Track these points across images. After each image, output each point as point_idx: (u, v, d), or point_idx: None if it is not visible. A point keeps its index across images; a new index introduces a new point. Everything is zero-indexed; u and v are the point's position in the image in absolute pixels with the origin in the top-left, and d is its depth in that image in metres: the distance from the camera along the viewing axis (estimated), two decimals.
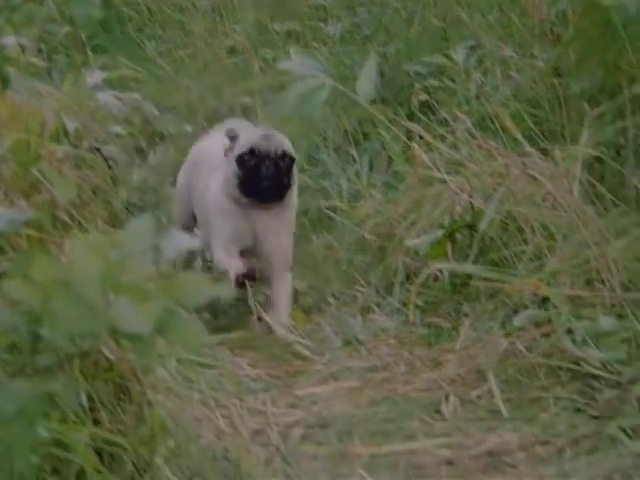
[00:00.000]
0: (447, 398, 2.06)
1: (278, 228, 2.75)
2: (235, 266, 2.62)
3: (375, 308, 2.59)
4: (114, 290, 1.26)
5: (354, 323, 2.53)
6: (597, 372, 2.01)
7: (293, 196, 2.79)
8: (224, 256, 2.67)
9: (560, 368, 2.06)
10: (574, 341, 2.07)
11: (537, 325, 2.16)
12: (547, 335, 2.12)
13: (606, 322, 2.07)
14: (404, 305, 2.50)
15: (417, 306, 2.47)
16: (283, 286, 2.73)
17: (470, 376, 2.14)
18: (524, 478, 1.77)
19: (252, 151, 2.71)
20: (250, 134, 2.80)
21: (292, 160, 2.73)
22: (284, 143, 2.73)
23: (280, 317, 2.62)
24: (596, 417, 1.92)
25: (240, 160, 2.71)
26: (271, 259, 2.73)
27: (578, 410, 1.96)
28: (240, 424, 1.95)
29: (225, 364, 2.22)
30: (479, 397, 2.06)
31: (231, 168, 2.74)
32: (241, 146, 2.74)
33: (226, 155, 2.77)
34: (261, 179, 2.70)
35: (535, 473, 1.78)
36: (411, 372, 2.22)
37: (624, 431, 1.85)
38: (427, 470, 1.82)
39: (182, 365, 1.99)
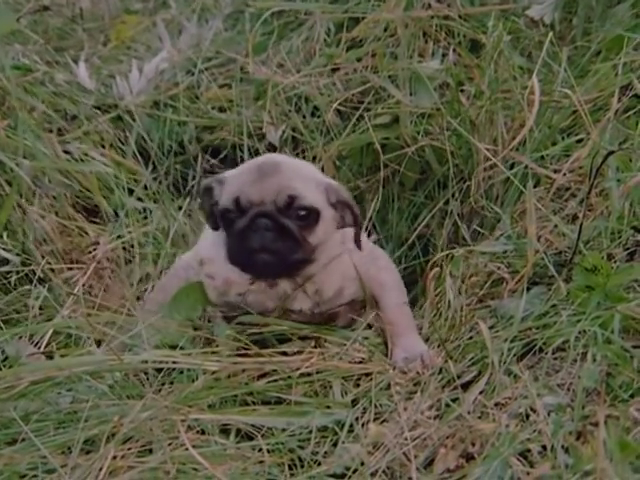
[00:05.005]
0: None
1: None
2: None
3: None
4: None
5: None
6: None
7: (335, 247, 1.91)
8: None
9: None
10: None
11: None
12: None
13: None
14: None
15: None
16: None
17: None
18: None
19: (237, 203, 1.82)
20: (237, 175, 1.89)
21: (312, 212, 1.79)
22: (292, 184, 1.78)
23: None
24: None
25: (223, 218, 1.86)
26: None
27: None
28: None
29: None
30: None
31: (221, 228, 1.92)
32: (225, 196, 1.86)
33: (205, 210, 1.95)
34: (252, 249, 1.79)
35: None
36: None
37: None
38: None
39: None
